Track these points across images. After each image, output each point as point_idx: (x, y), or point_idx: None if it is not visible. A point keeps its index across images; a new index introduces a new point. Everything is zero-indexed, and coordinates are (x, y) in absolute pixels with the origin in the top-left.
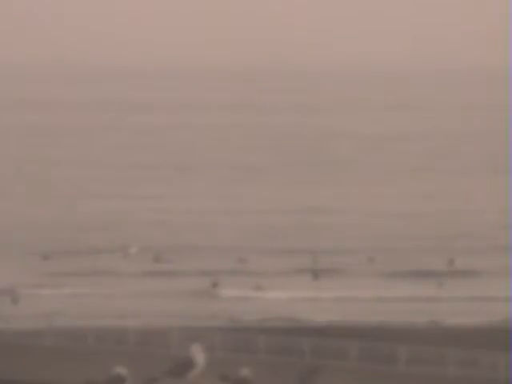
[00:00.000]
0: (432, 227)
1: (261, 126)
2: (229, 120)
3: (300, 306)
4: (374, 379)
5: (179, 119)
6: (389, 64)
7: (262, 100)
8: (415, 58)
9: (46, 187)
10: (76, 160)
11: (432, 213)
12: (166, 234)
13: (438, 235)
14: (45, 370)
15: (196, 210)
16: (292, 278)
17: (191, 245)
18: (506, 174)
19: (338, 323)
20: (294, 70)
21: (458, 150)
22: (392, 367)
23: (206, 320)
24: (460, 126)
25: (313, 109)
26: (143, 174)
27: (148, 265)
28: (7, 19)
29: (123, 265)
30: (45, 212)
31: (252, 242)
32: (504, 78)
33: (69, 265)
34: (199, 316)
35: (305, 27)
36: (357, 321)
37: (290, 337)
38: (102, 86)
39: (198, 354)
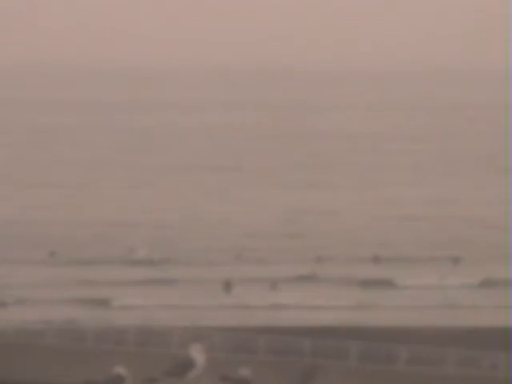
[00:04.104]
0: (433, 231)
1: (261, 126)
2: (227, 120)
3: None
4: (374, 379)
5: (177, 119)
6: (389, 64)
7: (261, 100)
8: (415, 58)
9: (48, 187)
10: (76, 161)
11: (433, 216)
12: (164, 237)
13: (439, 239)
14: (45, 370)
15: (192, 211)
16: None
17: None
18: (506, 174)
19: (337, 323)
20: (293, 70)
21: (459, 150)
22: (392, 367)
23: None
24: (460, 126)
25: (312, 108)
26: (142, 175)
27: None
28: (7, 18)
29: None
30: (46, 213)
31: (250, 245)
32: (504, 77)
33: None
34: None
35: (305, 27)
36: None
37: (290, 337)
38: (101, 86)
39: (198, 354)
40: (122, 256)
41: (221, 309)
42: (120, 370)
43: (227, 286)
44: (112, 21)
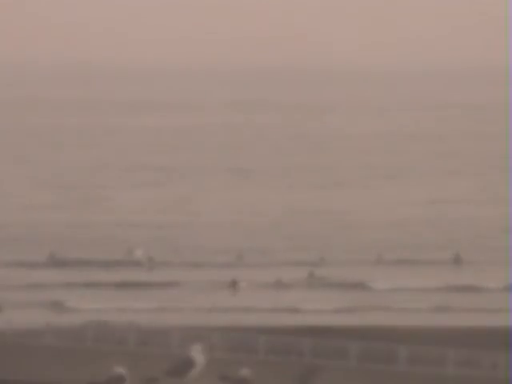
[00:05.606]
0: (434, 232)
1: (262, 126)
2: (227, 120)
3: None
4: (374, 379)
5: (177, 119)
6: (389, 63)
7: (261, 100)
8: (415, 58)
9: (49, 188)
10: (76, 161)
11: (435, 218)
12: (164, 238)
13: (440, 241)
14: (45, 370)
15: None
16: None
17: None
18: (505, 174)
19: (337, 323)
20: (294, 69)
21: (459, 150)
22: (392, 367)
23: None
24: (461, 125)
25: (313, 108)
26: (142, 176)
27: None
28: (8, 18)
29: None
30: (46, 214)
31: (251, 246)
32: (504, 77)
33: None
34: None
35: (304, 26)
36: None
37: (290, 337)
38: (101, 86)
39: (198, 354)
40: (121, 257)
41: (221, 310)
42: (120, 370)
43: (233, 285)
44: (111, 20)
